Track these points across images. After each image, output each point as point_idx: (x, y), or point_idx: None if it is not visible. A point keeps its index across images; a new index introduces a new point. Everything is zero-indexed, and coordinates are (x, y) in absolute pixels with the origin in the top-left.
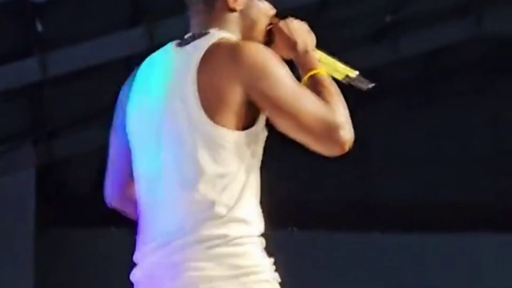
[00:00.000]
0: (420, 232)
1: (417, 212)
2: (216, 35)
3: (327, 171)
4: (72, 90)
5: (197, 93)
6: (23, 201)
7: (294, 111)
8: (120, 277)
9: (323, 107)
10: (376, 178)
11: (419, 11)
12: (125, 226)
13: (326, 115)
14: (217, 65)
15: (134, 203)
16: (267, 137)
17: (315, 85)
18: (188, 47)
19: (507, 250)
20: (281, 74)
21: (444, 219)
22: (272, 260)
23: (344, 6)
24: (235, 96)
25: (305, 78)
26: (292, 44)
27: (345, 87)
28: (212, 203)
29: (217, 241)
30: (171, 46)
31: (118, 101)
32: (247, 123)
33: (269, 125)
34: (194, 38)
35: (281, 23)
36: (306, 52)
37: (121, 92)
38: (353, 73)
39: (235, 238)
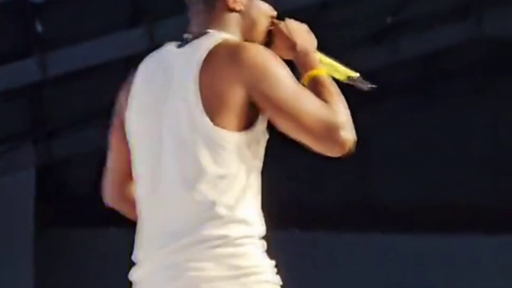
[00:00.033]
0: (420, 233)
1: (417, 213)
2: (216, 35)
3: (328, 172)
4: (72, 90)
5: (198, 94)
6: (23, 201)
7: (295, 112)
8: (119, 277)
9: (323, 108)
10: (376, 179)
11: (419, 12)
12: (125, 226)
13: (326, 115)
14: (218, 66)
15: (132, 203)
16: (268, 138)
17: (315, 86)
18: (189, 48)
19: (507, 251)
20: (282, 75)
21: (444, 220)
22: (273, 262)
23: (344, 7)
24: (236, 98)
25: (306, 78)
26: (292, 45)
27: (346, 88)
28: (213, 204)
29: (217, 242)
30: (170, 46)
31: (117, 101)
32: (248, 124)
33: (270, 126)
34: (194, 38)
35: (281, 24)
36: (306, 52)
37: (121, 92)
38: (353, 74)
39: (236, 239)
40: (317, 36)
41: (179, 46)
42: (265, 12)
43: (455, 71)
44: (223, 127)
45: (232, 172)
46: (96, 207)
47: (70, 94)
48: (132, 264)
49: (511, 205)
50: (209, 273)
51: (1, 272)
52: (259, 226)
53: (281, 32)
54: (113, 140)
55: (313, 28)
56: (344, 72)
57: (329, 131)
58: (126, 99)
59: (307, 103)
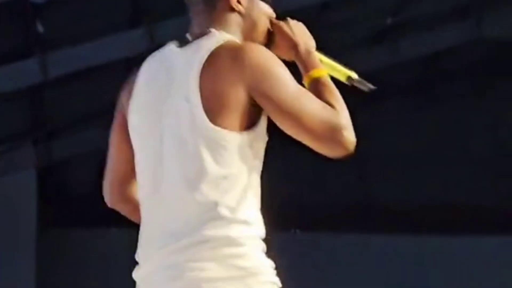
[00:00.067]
0: (420, 233)
1: (417, 213)
2: (217, 36)
3: (328, 173)
4: (73, 91)
5: (200, 94)
6: (24, 201)
7: (297, 112)
8: (120, 277)
9: (325, 108)
10: (376, 179)
11: (419, 13)
12: (125, 226)
13: (328, 116)
14: (219, 67)
15: (132, 204)
16: (269, 139)
17: (316, 86)
18: (190, 48)
19: (507, 251)
20: (283, 75)
21: (444, 220)
22: (273, 263)
23: (344, 8)
24: (237, 98)
25: (307, 78)
26: (293, 45)
27: (345, 89)
28: (215, 204)
29: (219, 242)
30: (172, 46)
31: (118, 101)
32: (249, 124)
33: (270, 127)
34: (195, 38)
35: (282, 24)
36: (307, 52)
37: (122, 92)
38: (353, 75)
39: (237, 239)
40: (317, 37)
41: (181, 46)
42: (265, 13)
43: (455, 72)
44: (224, 128)
45: (234, 173)
46: (97, 207)
47: (70, 95)
48: (133, 264)
49: (511, 205)
50: (210, 274)
51: (3, 272)
52: (260, 227)
53: (282, 32)
54: (114, 140)
55: (313, 29)
56: (343, 72)
57: (331, 132)
58: (128, 99)
59: (308, 103)
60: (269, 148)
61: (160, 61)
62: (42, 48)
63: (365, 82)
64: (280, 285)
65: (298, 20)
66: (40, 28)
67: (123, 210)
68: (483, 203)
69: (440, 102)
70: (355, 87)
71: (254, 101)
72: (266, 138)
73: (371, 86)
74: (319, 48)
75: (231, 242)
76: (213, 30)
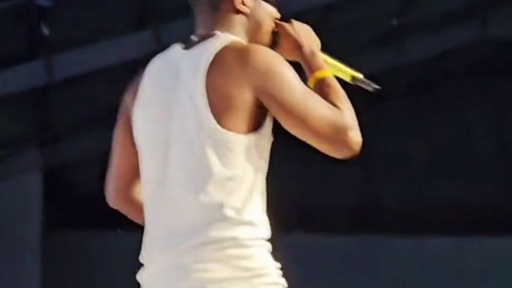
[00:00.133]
0: (426, 234)
1: (423, 215)
2: (222, 38)
3: (333, 174)
4: (78, 94)
5: (206, 96)
6: (29, 203)
7: (303, 113)
8: (126, 278)
9: (331, 109)
10: (382, 181)
11: (425, 15)
12: (131, 229)
13: (334, 117)
14: (225, 69)
15: (135, 205)
16: (274, 140)
17: (322, 87)
18: (195, 49)
19: None
20: (289, 76)
21: (449, 221)
22: (278, 264)
23: (350, 9)
24: (243, 100)
25: (312, 79)
26: (298, 46)
27: (351, 89)
28: (221, 205)
29: (225, 243)
30: (177, 48)
31: (123, 102)
32: (254, 126)
33: (275, 128)
34: (200, 40)
35: (286, 25)
36: (312, 53)
37: (127, 93)
38: (358, 75)
39: (243, 240)
40: (322, 38)
41: (186, 48)
42: (270, 14)
43: (460, 73)
44: (230, 129)
45: (239, 174)
46: (102, 209)
47: (76, 97)
48: (138, 266)
49: None
50: (215, 275)
51: (9, 274)
52: (265, 228)
53: (287, 33)
54: (118, 141)
55: (318, 30)
56: (348, 73)
57: (337, 133)
58: (133, 100)
59: (313, 104)
60: (275, 149)
61: (166, 62)
62: (47, 50)
63: (370, 82)
64: (286, 286)
65: (303, 21)
66: (45, 30)
67: (126, 210)
68: (489, 204)
69: (445, 103)
70: (360, 88)
71: (260, 102)
72: (271, 139)
73: (376, 86)
74: (325, 49)
75: (237, 243)
76: (217, 31)
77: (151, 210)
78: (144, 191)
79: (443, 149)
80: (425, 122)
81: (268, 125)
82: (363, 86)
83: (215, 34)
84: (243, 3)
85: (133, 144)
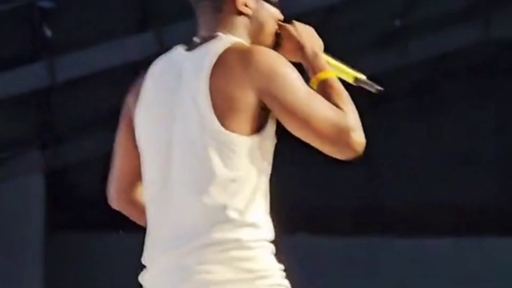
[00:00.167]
0: (429, 236)
1: (427, 216)
2: (225, 39)
3: (336, 175)
4: (80, 95)
5: (209, 98)
6: (32, 205)
7: (306, 115)
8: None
9: (334, 110)
10: (385, 182)
11: (427, 15)
12: (133, 230)
13: (337, 118)
14: (228, 70)
15: (138, 207)
16: (278, 142)
17: (324, 88)
18: (198, 51)
19: None
20: (292, 78)
21: (453, 222)
22: (282, 266)
23: (352, 10)
24: (246, 102)
25: (315, 80)
26: (300, 47)
27: (353, 91)
28: (224, 207)
29: (228, 245)
30: (180, 49)
31: (125, 104)
32: (257, 128)
33: (279, 130)
34: (203, 41)
35: (290, 27)
36: (314, 55)
37: (129, 94)
38: (361, 76)
39: (246, 242)
40: (325, 40)
41: (188, 50)
42: (272, 15)
43: (463, 74)
44: (233, 131)
45: (242, 176)
46: (104, 211)
47: (78, 99)
48: (140, 267)
49: None
50: (218, 276)
51: (11, 275)
52: (268, 230)
53: (289, 34)
54: (120, 143)
55: (321, 32)
56: (351, 74)
57: (340, 134)
58: (135, 102)
59: (317, 105)
60: (278, 150)
61: (168, 64)
62: (49, 52)
63: (372, 83)
64: (290, 287)
65: (306, 23)
66: (47, 32)
67: (128, 212)
68: (491, 205)
69: (448, 104)
70: (363, 89)
71: (263, 104)
72: (275, 141)
73: (379, 87)
74: (327, 51)
75: (240, 245)
76: (220, 33)
77: (154, 212)
78: (146, 193)
79: (445, 150)
80: (427, 123)
81: (271, 127)
82: (366, 87)
83: (217, 35)
84: (245, 5)
85: (135, 146)
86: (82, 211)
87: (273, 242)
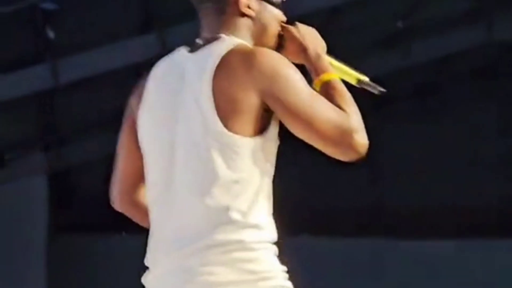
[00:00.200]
0: (432, 238)
1: (429, 218)
2: (228, 41)
3: (339, 177)
4: (83, 97)
5: (212, 99)
6: (35, 207)
7: (309, 116)
8: (131, 282)
9: (336, 112)
10: (387, 183)
11: (430, 17)
12: (136, 232)
13: (340, 119)
14: (231, 72)
15: (140, 208)
16: (280, 143)
17: (327, 89)
18: (201, 53)
19: None
20: (295, 79)
21: (456, 224)
22: (285, 267)
23: (355, 12)
24: (249, 103)
25: (317, 82)
26: (303, 49)
27: (356, 93)
28: (227, 209)
29: (231, 246)
30: (183, 51)
31: (128, 106)
32: (260, 129)
33: (282, 131)
34: (205, 43)
35: (292, 28)
36: (317, 56)
37: (132, 96)
38: (363, 78)
39: (249, 244)
40: (328, 41)
41: (191, 51)
42: (275, 17)
43: (466, 75)
44: (236, 132)
45: (245, 177)
46: (107, 212)
47: (81, 101)
48: (143, 269)
49: None
50: (221, 278)
51: (14, 277)
52: (271, 231)
53: (292, 36)
54: (123, 144)
55: (324, 33)
56: (354, 75)
57: (343, 135)
58: (138, 103)
59: (320, 107)
60: (281, 152)
61: (171, 65)
62: (52, 54)
63: (375, 85)
64: None
65: (309, 24)
66: (50, 34)
67: (131, 213)
68: (494, 207)
69: (451, 106)
70: (366, 90)
71: (266, 105)
72: (277, 143)
73: (382, 89)
74: (330, 52)
75: (243, 246)
76: (223, 35)
77: (157, 213)
78: (149, 194)
79: (448, 152)
80: (430, 125)
81: (274, 128)
82: (369, 89)
83: (220, 37)
84: (248, 6)
85: (138, 147)
86: (85, 212)
87: (276, 243)
